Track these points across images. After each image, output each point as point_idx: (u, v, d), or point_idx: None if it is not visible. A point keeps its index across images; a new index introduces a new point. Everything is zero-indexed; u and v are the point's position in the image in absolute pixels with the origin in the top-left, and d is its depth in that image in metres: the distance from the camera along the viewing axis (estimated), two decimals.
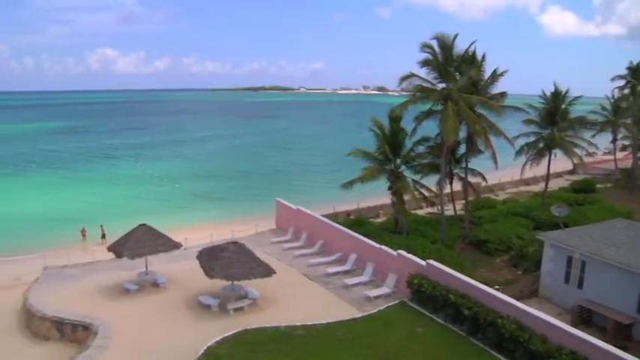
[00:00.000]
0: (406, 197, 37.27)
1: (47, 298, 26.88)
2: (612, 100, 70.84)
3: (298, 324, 23.30)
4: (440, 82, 35.09)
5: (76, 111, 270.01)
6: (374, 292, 27.09)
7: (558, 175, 66.11)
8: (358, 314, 24.85)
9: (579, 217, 37.73)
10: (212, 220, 48.42)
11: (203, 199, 62.06)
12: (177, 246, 29.12)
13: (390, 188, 37.61)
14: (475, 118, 33.70)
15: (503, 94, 36.94)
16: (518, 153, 43.86)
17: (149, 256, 28.27)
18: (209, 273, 24.44)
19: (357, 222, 40.87)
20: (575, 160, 44.47)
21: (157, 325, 23.83)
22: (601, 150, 71.46)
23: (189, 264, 28.67)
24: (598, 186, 56.30)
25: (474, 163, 38.95)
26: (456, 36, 34.60)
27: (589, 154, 46.53)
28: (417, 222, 41.05)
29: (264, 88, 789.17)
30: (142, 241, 27.71)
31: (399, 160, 37.63)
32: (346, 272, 30.74)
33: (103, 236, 42.15)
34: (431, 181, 39.08)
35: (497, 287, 25.87)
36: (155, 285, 28.67)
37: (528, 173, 47.81)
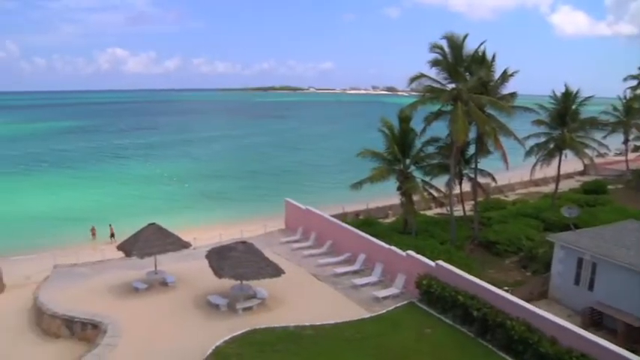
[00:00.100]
0: (415, 198, 37.18)
1: (57, 297, 27.07)
2: (624, 101, 70.11)
3: (307, 324, 23.30)
4: (449, 83, 34.96)
5: (87, 111, 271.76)
6: (383, 293, 27.04)
7: (569, 176, 65.67)
8: (367, 315, 24.81)
9: (590, 218, 37.43)
10: (221, 220, 48.59)
11: (212, 198, 62.24)
12: (186, 245, 29.21)
13: (399, 189, 37.53)
14: (485, 118, 33.55)
15: (513, 95, 36.72)
16: (528, 154, 43.64)
17: (158, 255, 28.40)
18: (218, 272, 24.49)
19: (366, 222, 40.83)
20: (586, 161, 44.13)
21: (165, 324, 23.92)
22: (612, 151, 70.94)
23: (198, 263, 28.75)
24: (609, 187, 55.84)
25: (484, 163, 38.78)
26: (465, 36, 34.46)
27: (600, 155, 46.22)
28: (426, 222, 40.94)
29: (273, 88, 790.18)
30: (152, 241, 27.82)
31: (408, 161, 37.54)
32: (355, 272, 30.71)
33: (112, 235, 42.41)
34: (440, 182, 38.97)
35: (506, 288, 25.71)
36: (164, 284, 28.79)
37: (538, 174, 47.56)
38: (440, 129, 36.40)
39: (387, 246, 29.99)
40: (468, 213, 41.67)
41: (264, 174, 79.94)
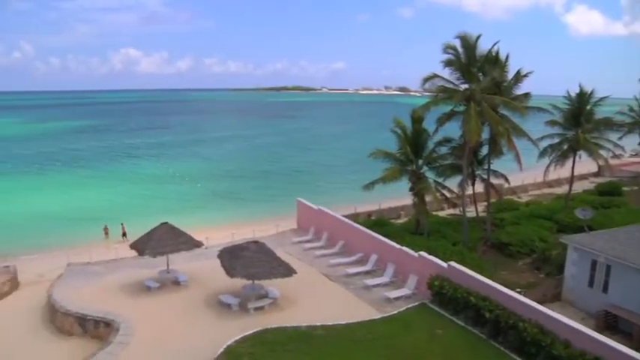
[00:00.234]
0: (428, 198, 37.08)
1: (70, 295, 27.32)
2: None
3: (318, 324, 23.30)
4: (463, 83, 34.82)
5: (99, 110, 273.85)
6: (394, 294, 26.98)
7: (583, 177, 65.10)
8: (378, 315, 24.77)
9: (604, 220, 37.08)
10: (233, 220, 48.68)
11: (224, 198, 62.42)
12: (198, 245, 29.33)
13: (411, 189, 37.43)
14: (498, 119, 33.35)
15: (527, 95, 36.46)
16: (542, 155, 43.24)
17: (170, 254, 28.56)
18: (230, 272, 24.56)
19: (378, 223, 40.76)
20: (601, 162, 43.75)
21: (177, 323, 24.04)
22: (628, 152, 70.21)
23: (210, 263, 28.85)
24: (624, 189, 55.25)
25: (497, 164, 38.55)
26: (479, 36, 34.31)
27: (615, 156, 45.65)
28: (438, 223, 40.76)
29: (286, 88, 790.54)
30: (164, 240, 27.98)
31: (420, 161, 37.45)
32: (367, 273, 30.67)
33: (124, 234, 42.68)
34: (453, 183, 38.82)
35: (519, 290, 25.55)
36: (176, 283, 28.94)
37: (552, 175, 47.10)
38: (453, 129, 36.24)
39: (398, 246, 29.92)
40: (481, 214, 41.45)
41: (277, 174, 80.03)
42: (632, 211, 42.26)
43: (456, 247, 33.49)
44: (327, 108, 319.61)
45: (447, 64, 34.57)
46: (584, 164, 53.36)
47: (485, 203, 39.63)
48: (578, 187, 56.74)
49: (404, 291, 27.32)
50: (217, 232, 39.30)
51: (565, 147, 42.62)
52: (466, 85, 34.42)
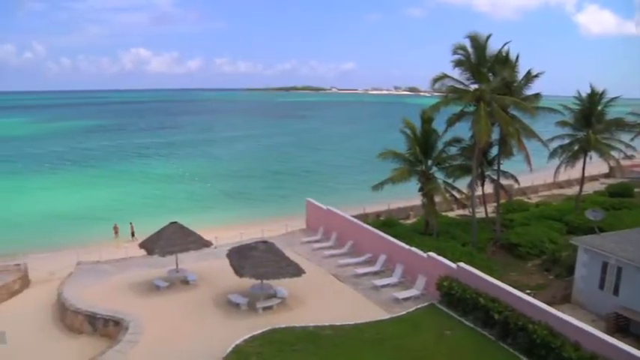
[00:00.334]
0: (437, 199, 36.99)
1: (80, 293, 27.50)
2: None
3: (326, 324, 23.29)
4: (473, 83, 34.71)
5: (110, 110, 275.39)
6: (403, 294, 26.92)
7: (594, 178, 64.65)
8: (387, 316, 24.72)
9: (615, 221, 36.81)
10: (242, 219, 48.81)
11: (233, 198, 62.60)
12: (207, 244, 29.41)
13: (420, 190, 37.36)
14: (508, 119, 33.20)
15: (537, 96, 36.27)
16: (552, 155, 42.99)
17: (180, 253, 28.66)
18: (239, 272, 24.61)
19: (387, 223, 40.70)
20: (612, 163, 43.40)
21: (186, 322, 24.13)
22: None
23: (219, 262, 28.94)
24: (636, 190, 54.73)
25: (507, 165, 38.40)
26: (489, 36, 34.24)
27: (627, 157, 45.24)
28: (447, 224, 40.64)
29: (295, 88, 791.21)
30: (173, 239, 28.08)
31: (430, 162, 37.37)
32: (375, 273, 30.62)
33: (132, 234, 42.87)
34: (462, 183, 38.71)
35: (528, 292, 25.39)
36: (185, 282, 29.04)
37: (562, 176, 46.85)
38: (462, 130, 36.14)
39: (407, 247, 29.86)
40: (490, 215, 41.30)
41: (286, 174, 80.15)
42: None
43: (465, 247, 33.39)
44: (336, 108, 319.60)
45: (457, 64, 34.50)
46: (595, 165, 52.89)
47: (495, 204, 39.50)
48: (589, 188, 56.34)
49: (413, 291, 27.26)
50: (226, 232, 39.38)
51: (575, 148, 42.34)
52: (476, 86, 34.30)
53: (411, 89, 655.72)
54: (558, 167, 43.29)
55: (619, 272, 25.01)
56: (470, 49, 34.24)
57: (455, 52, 34.39)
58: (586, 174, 45.09)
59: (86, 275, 30.68)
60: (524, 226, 38.30)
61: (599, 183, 64.33)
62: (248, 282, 25.57)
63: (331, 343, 21.66)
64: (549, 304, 22.53)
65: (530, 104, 34.18)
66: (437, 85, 35.27)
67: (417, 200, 40.44)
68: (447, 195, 36.95)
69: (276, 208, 55.56)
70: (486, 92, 32.93)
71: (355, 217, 38.32)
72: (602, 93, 41.67)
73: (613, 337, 19.22)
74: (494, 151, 37.34)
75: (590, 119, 41.68)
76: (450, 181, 38.36)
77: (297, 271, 25.36)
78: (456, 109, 35.43)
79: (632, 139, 54.69)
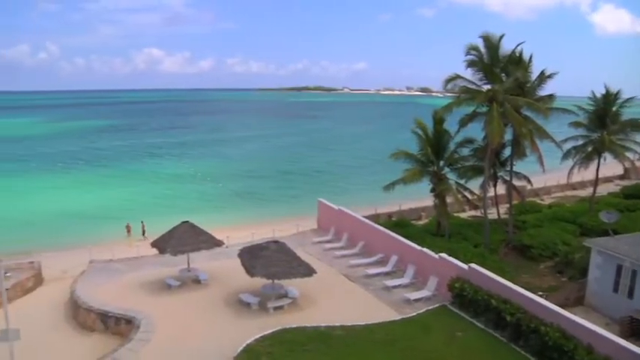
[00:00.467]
0: (449, 200, 36.86)
1: (92, 291, 27.70)
2: None
3: (337, 324, 23.28)
4: (485, 84, 34.54)
5: (122, 110, 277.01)
6: (414, 295, 26.83)
7: (608, 179, 64.01)
8: (398, 317, 24.66)
9: (630, 223, 36.39)
10: (254, 219, 48.89)
11: (245, 198, 62.77)
12: (219, 244, 29.50)
13: (432, 190, 37.24)
14: (521, 120, 32.98)
15: (551, 97, 35.98)
16: (566, 156, 42.64)
17: (191, 253, 28.76)
18: (250, 271, 24.66)
19: (399, 224, 40.64)
20: (627, 165, 43.09)
21: (197, 321, 24.21)
22: None
23: (230, 262, 29.02)
24: None
25: (520, 166, 38.13)
26: (502, 36, 34.06)
27: None
28: (459, 225, 40.50)
29: (307, 89, 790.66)
30: (185, 239, 28.19)
31: (442, 162, 37.24)
32: (387, 274, 30.55)
33: (143, 233, 43.09)
34: (474, 184, 38.51)
35: (540, 293, 25.19)
36: (197, 281, 29.15)
37: (576, 177, 46.51)
38: (475, 131, 35.96)
39: (419, 248, 29.76)
40: (503, 216, 41.08)
41: (297, 174, 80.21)
42: None
43: (477, 249, 33.24)
44: (348, 108, 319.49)
45: (470, 64, 34.37)
46: (610, 166, 52.45)
47: (507, 205, 39.26)
48: (603, 189, 55.83)
49: (424, 292, 27.15)
50: (238, 232, 39.48)
51: (589, 149, 42.00)
52: (489, 86, 34.13)
53: (423, 89, 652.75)
54: (572, 168, 42.97)
55: (634, 275, 24.74)
56: (483, 50, 34.10)
57: (468, 53, 34.29)
58: (600, 175, 44.73)
59: (98, 274, 30.90)
60: (536, 228, 38.04)
61: (613, 184, 63.69)
62: (259, 282, 25.62)
63: (342, 344, 21.64)
64: (562, 306, 22.34)
65: (544, 105, 33.92)
66: (449, 86, 35.16)
67: (428, 201, 40.31)
68: (459, 196, 36.82)
69: (287, 208, 55.63)
70: (499, 93, 32.73)
71: (367, 217, 38.28)
72: (617, 93, 41.32)
73: (627, 341, 19.03)
74: (507, 151, 37.10)
75: (605, 120, 41.31)
76: (462, 181, 38.20)
77: (308, 271, 25.36)
78: (469, 109, 35.28)
79: None
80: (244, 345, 21.14)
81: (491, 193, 38.77)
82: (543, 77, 35.42)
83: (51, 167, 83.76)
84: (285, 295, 26.34)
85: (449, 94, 37.07)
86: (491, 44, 33.88)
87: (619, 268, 25.45)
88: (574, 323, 19.99)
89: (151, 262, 32.74)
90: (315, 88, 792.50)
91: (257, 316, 24.68)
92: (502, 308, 22.38)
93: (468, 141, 37.01)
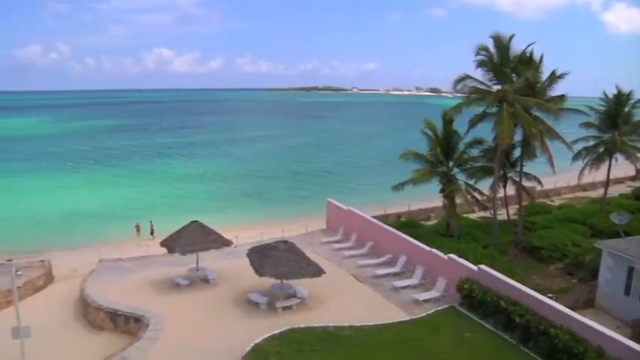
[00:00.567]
0: (458, 200, 36.72)
1: (102, 290, 27.85)
2: None
3: (346, 325, 23.27)
4: (495, 84, 34.38)
5: (132, 109, 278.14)
6: (423, 296, 26.77)
7: (619, 181, 63.48)
8: (406, 317, 24.61)
9: None
10: (262, 219, 48.95)
11: (254, 198, 62.86)
12: (227, 243, 29.56)
13: (441, 191, 37.13)
14: (531, 120, 32.78)
15: (562, 97, 35.74)
16: (576, 157, 42.38)
17: (200, 252, 28.86)
18: (259, 271, 24.70)
19: (408, 224, 40.56)
20: (639, 166, 42.62)
21: (205, 320, 24.29)
22: None
23: (239, 261, 29.09)
24: None
25: (530, 166, 37.93)
26: (512, 36, 33.91)
27: None
28: (468, 226, 40.33)
29: (316, 89, 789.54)
30: (194, 238, 28.28)
31: (451, 163, 37.12)
32: (395, 274, 30.50)
33: (152, 232, 43.26)
34: (484, 185, 38.34)
35: (550, 295, 25.06)
36: (205, 281, 29.23)
37: (586, 178, 46.20)
38: (484, 131, 35.81)
39: (428, 249, 29.69)
40: (512, 217, 40.87)
41: (306, 174, 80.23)
42: None
43: (486, 250, 33.09)
44: (357, 108, 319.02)
45: (480, 64, 34.23)
46: (621, 168, 52.04)
47: (517, 206, 39.06)
48: (614, 190, 55.38)
49: (433, 293, 27.08)
50: (247, 231, 39.54)
51: (601, 150, 41.71)
52: (499, 86, 33.97)
53: (433, 90, 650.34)
54: (582, 169, 42.68)
55: None
56: (493, 50, 33.95)
57: (478, 53, 34.14)
58: (611, 176, 44.39)
59: (108, 272, 31.06)
60: (546, 229, 37.83)
61: (624, 186, 63.18)
62: (268, 281, 25.66)
63: (351, 344, 21.63)
64: (572, 308, 22.19)
65: (555, 106, 33.71)
66: (459, 86, 35.06)
67: (437, 201, 40.21)
68: (469, 197, 36.68)
69: (296, 208, 55.66)
70: (509, 93, 32.56)
71: (375, 217, 38.22)
72: (630, 94, 41.03)
73: (639, 344, 18.85)
74: (517, 152, 36.91)
75: (617, 120, 41.01)
76: (471, 182, 38.05)
77: (317, 271, 25.37)
78: (478, 109, 35.13)
79: None
80: (253, 344, 21.18)
81: (500, 193, 38.60)
82: (554, 77, 35.19)
83: (61, 167, 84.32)
84: (293, 295, 26.35)
85: (458, 95, 36.98)
86: (502, 44, 33.74)
87: (630, 271, 25.23)
88: (584, 325, 19.85)
89: (160, 261, 32.87)
90: (324, 89, 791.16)
91: (266, 316, 24.72)
92: (511, 310, 22.29)
93: (478, 141, 36.85)
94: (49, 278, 32.87)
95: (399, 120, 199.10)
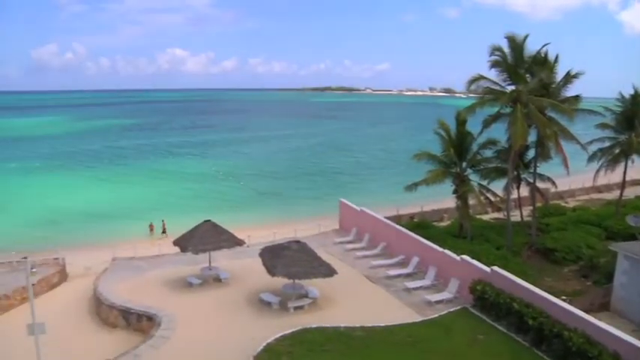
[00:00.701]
0: (471, 201, 36.55)
1: (115, 288, 28.10)
2: None
3: (357, 325, 23.24)
4: (509, 84, 34.14)
5: (146, 109, 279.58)
6: (435, 297, 26.68)
7: (635, 182, 62.63)
8: (418, 318, 24.53)
9: None
10: (275, 219, 49.05)
11: (267, 197, 62.97)
12: (240, 243, 29.65)
13: (454, 192, 36.98)
14: (545, 121, 32.47)
15: (577, 98, 35.34)
16: (591, 159, 41.95)
17: (212, 251, 28.97)
18: (271, 271, 24.74)
19: (421, 225, 40.40)
20: None
21: (217, 319, 24.39)
22: None
23: (251, 261, 29.16)
24: None
25: (544, 167, 37.61)
26: (526, 36, 33.64)
27: None
28: (481, 227, 40.09)
29: (329, 89, 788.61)
30: (206, 237, 28.41)
31: (464, 164, 36.94)
32: (408, 275, 30.42)
33: (164, 231, 43.50)
34: (497, 186, 38.08)
35: (564, 298, 24.86)
36: (218, 280, 29.35)
37: (602, 180, 45.74)
38: (498, 132, 35.58)
39: (441, 250, 29.58)
40: (526, 218, 40.55)
41: (319, 174, 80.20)
42: None
43: (499, 251, 32.86)
44: (370, 109, 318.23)
45: (494, 65, 33.99)
46: (637, 169, 51.41)
47: (531, 207, 38.76)
48: (630, 192, 54.70)
49: (445, 295, 26.97)
50: (259, 231, 39.64)
51: (617, 151, 41.26)
52: (513, 87, 33.72)
53: (446, 90, 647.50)
54: (598, 171, 42.24)
55: None
56: (507, 50, 33.73)
57: (492, 53, 33.92)
58: (627, 178, 43.86)
59: (121, 271, 31.32)
60: (560, 231, 37.51)
61: None
62: (280, 281, 25.69)
63: (362, 344, 21.59)
64: (586, 311, 21.95)
65: (569, 106, 33.37)
66: (473, 87, 34.84)
67: (450, 202, 40.04)
68: (482, 198, 36.49)
69: (309, 208, 55.67)
70: (523, 94, 32.31)
71: (388, 218, 38.14)
72: None
73: None
74: (531, 153, 36.63)
75: (633, 121, 40.50)
76: (484, 183, 37.83)
77: (329, 271, 25.37)
78: (492, 110, 34.91)
79: None
80: (264, 344, 21.22)
81: (514, 195, 38.30)
82: (569, 77, 34.80)
83: (75, 166, 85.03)
84: (305, 295, 26.37)
85: (472, 95, 36.71)
86: (516, 45, 33.50)
87: None
88: (599, 329, 19.62)
89: (173, 260, 33.06)
90: (338, 89, 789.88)
91: (277, 316, 24.76)
92: (524, 312, 22.10)
93: (491, 142, 36.61)
94: (63, 276, 33.23)
95: (412, 120, 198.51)
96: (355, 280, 29.97)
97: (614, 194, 53.94)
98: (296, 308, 25.45)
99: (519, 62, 33.70)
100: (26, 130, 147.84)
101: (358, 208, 38.98)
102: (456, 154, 36.22)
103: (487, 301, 24.35)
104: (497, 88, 34.30)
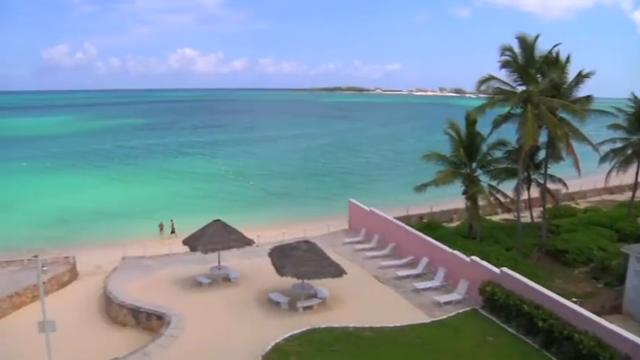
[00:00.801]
0: (481, 202, 36.41)
1: (125, 287, 28.24)
2: None
3: (366, 326, 23.21)
4: (520, 85, 33.98)
5: (156, 109, 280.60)
6: (444, 298, 26.58)
7: None
8: (427, 319, 24.45)
9: None
10: (284, 219, 49.12)
11: (276, 197, 63.08)
12: (249, 242, 29.70)
13: (464, 192, 36.86)
14: (556, 122, 32.27)
15: (588, 98, 35.11)
16: (603, 160, 41.64)
17: (222, 251, 29.04)
18: (280, 270, 24.76)
19: (430, 226, 40.26)
20: None
21: (226, 319, 24.44)
22: None
23: (260, 261, 29.18)
24: None
25: (555, 168, 37.39)
26: (537, 36, 33.50)
27: None
28: (491, 228, 39.90)
29: (339, 89, 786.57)
30: (216, 237, 28.47)
31: (474, 164, 36.81)
32: (417, 276, 30.33)
33: (173, 231, 43.65)
34: (507, 187, 37.90)
35: (575, 300, 24.67)
36: (227, 280, 29.42)
37: (614, 181, 45.38)
38: (508, 132, 35.41)
39: (450, 250, 29.47)
40: (536, 220, 40.36)
41: (329, 174, 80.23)
42: None
43: (509, 252, 32.70)
44: (380, 109, 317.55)
45: (504, 65, 33.87)
46: None
47: (541, 209, 38.55)
48: None
49: (454, 296, 26.87)
50: (268, 231, 39.67)
51: (629, 152, 40.92)
52: (523, 87, 33.56)
53: (457, 90, 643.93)
54: (609, 172, 41.92)
55: None
56: (517, 50, 33.60)
57: (502, 54, 33.79)
58: None
59: (130, 270, 31.48)
60: (571, 233, 37.22)
61: None
62: (289, 281, 25.70)
63: (371, 345, 21.56)
64: (597, 314, 21.74)
65: (581, 107, 33.14)
66: (483, 87, 34.70)
67: (460, 203, 39.89)
68: (492, 198, 36.35)
69: (318, 208, 55.69)
70: (534, 94, 32.13)
71: (398, 218, 38.04)
72: None
73: None
74: (542, 154, 36.41)
75: None
76: (494, 184, 37.66)
77: (338, 271, 25.35)
78: (502, 110, 34.76)
79: None
80: (273, 344, 21.24)
81: (524, 196, 38.11)
82: (580, 78, 34.57)
83: (86, 165, 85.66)
84: (314, 295, 26.37)
85: (482, 95, 36.57)
86: (527, 45, 33.35)
87: None
88: (610, 332, 19.41)
89: (182, 259, 33.18)
90: (347, 89, 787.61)
91: (286, 316, 24.78)
92: (534, 314, 21.96)
93: (501, 143, 36.45)
94: (73, 274, 33.46)
95: (422, 121, 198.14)
96: (364, 280, 29.93)
97: (626, 195, 53.46)
98: (305, 308, 25.45)
99: (530, 62, 33.55)
100: (37, 129, 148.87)
101: (367, 209, 38.94)
102: (466, 155, 36.10)
103: (497, 302, 24.22)
104: (508, 88, 34.16)
